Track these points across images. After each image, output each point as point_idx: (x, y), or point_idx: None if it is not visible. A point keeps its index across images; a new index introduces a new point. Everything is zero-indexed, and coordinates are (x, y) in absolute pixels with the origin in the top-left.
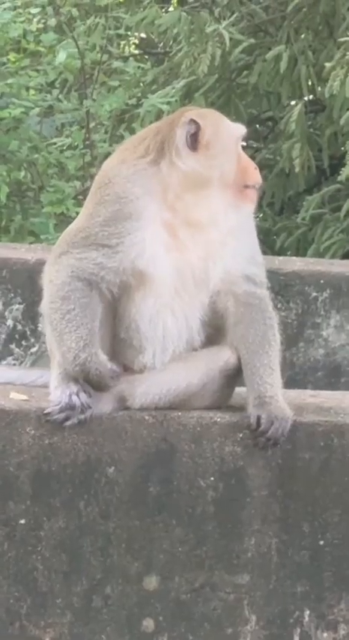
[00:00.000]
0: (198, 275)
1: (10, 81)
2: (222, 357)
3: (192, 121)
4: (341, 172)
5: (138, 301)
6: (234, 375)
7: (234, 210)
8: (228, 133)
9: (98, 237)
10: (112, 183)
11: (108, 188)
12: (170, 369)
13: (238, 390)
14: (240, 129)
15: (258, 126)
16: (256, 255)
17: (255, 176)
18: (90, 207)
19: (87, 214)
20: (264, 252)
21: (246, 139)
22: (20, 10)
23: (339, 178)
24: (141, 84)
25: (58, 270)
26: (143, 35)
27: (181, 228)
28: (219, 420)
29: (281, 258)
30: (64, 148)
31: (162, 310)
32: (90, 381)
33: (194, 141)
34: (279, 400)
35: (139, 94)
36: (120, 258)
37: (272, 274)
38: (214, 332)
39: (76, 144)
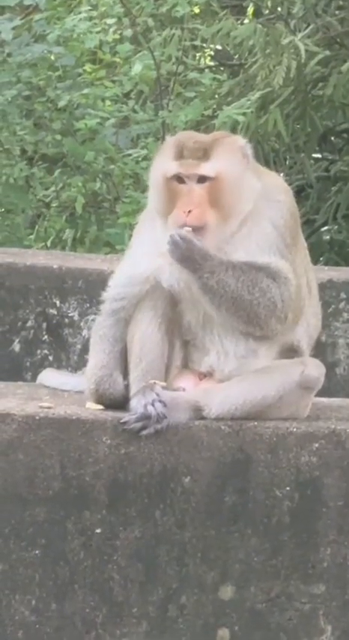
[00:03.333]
0: None
1: (86, 91)
2: (298, 369)
3: None
4: None
5: (184, 312)
6: (311, 388)
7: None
8: (156, 168)
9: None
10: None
11: None
12: (246, 380)
13: (315, 400)
14: (169, 168)
15: (333, 138)
16: None
17: (178, 219)
18: None
19: None
20: (338, 264)
21: (321, 151)
22: (96, 21)
23: None
24: (217, 95)
25: None
26: (218, 47)
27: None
28: (295, 430)
29: None
30: (140, 159)
31: (211, 318)
32: (105, 401)
33: None
34: None
35: (215, 106)
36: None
37: (348, 286)
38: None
39: (151, 155)
